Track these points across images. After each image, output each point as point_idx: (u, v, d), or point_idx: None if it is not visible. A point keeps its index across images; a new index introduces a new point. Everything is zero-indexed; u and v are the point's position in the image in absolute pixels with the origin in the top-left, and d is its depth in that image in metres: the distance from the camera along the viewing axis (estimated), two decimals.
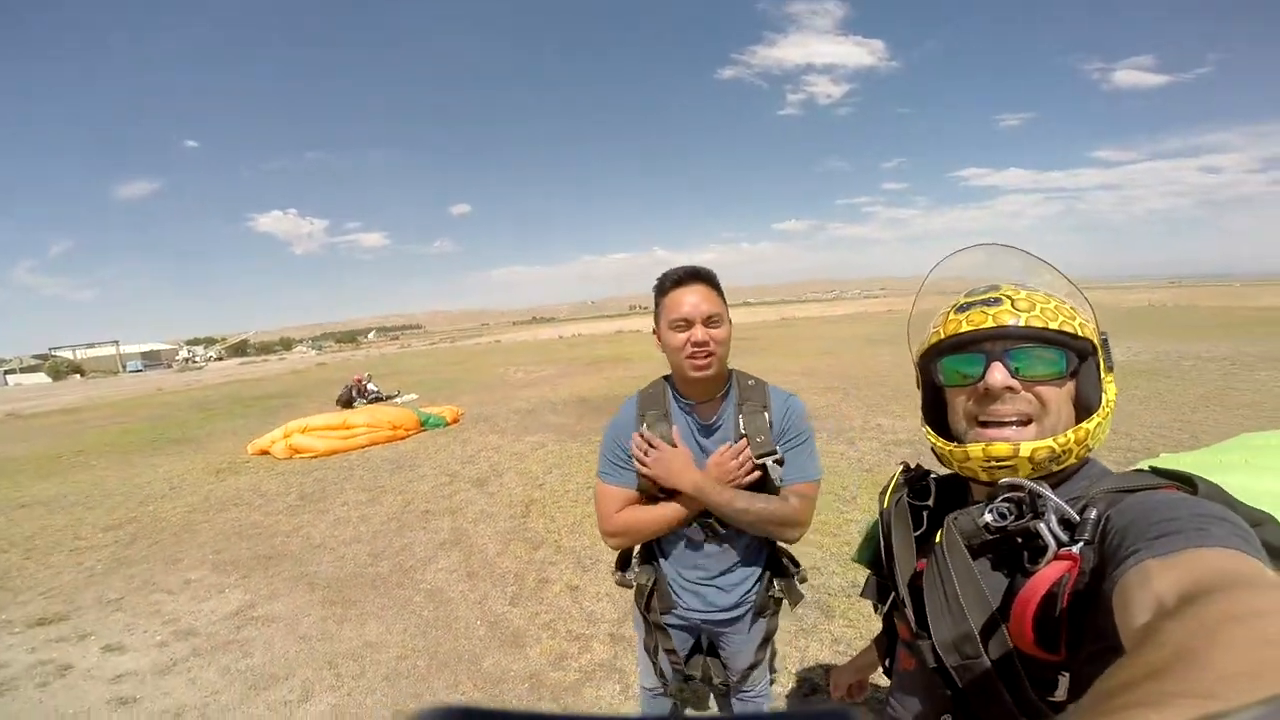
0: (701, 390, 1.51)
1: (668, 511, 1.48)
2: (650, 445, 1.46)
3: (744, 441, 1.46)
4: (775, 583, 1.63)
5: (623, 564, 1.71)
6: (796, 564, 1.70)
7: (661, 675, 1.73)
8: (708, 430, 1.53)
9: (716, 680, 1.72)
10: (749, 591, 1.59)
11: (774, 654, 2.71)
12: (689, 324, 1.42)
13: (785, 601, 1.65)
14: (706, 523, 1.51)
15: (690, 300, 1.42)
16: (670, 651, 1.66)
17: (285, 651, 3.17)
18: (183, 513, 5.84)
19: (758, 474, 1.45)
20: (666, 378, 1.59)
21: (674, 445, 1.47)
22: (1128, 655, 0.40)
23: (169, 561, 4.57)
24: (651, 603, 1.63)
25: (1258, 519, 0.65)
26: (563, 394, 11.78)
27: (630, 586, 1.67)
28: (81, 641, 3.42)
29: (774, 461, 1.44)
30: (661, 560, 1.64)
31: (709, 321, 1.43)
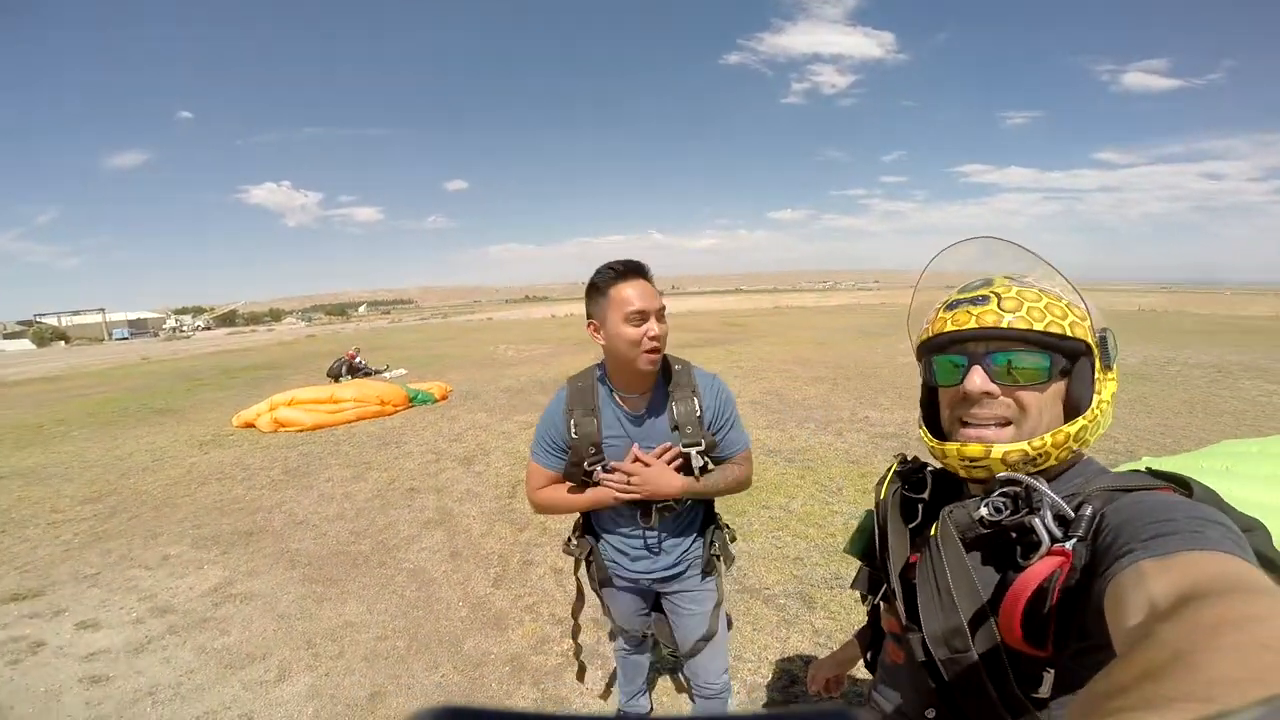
0: (641, 381, 1.58)
1: (598, 495, 1.62)
2: (628, 473, 1.56)
3: (670, 447, 1.57)
4: (714, 542, 1.78)
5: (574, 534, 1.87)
6: (727, 526, 1.87)
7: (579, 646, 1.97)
8: (637, 420, 1.61)
9: (666, 650, 1.89)
10: (686, 550, 1.75)
11: (729, 623, 2.77)
12: (645, 317, 1.47)
13: (722, 561, 1.81)
14: (658, 508, 1.63)
15: (641, 294, 1.47)
16: (609, 617, 1.88)
17: (263, 630, 3.15)
18: (164, 486, 5.78)
19: (681, 459, 1.59)
20: (600, 373, 1.65)
21: (597, 440, 1.58)
22: (1122, 657, 0.39)
23: (148, 536, 4.53)
24: (591, 570, 1.81)
25: (1248, 525, 0.66)
26: (553, 373, 11.74)
27: (573, 554, 1.82)
28: (55, 618, 3.37)
29: (697, 452, 1.57)
30: (603, 534, 1.78)
31: (659, 315, 1.50)
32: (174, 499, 5.38)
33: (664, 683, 2.59)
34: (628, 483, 1.56)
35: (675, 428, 1.59)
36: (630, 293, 1.47)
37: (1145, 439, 5.71)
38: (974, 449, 0.78)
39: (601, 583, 1.81)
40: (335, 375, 12.09)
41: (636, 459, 1.57)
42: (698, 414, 1.59)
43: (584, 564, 1.83)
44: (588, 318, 1.57)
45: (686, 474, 1.59)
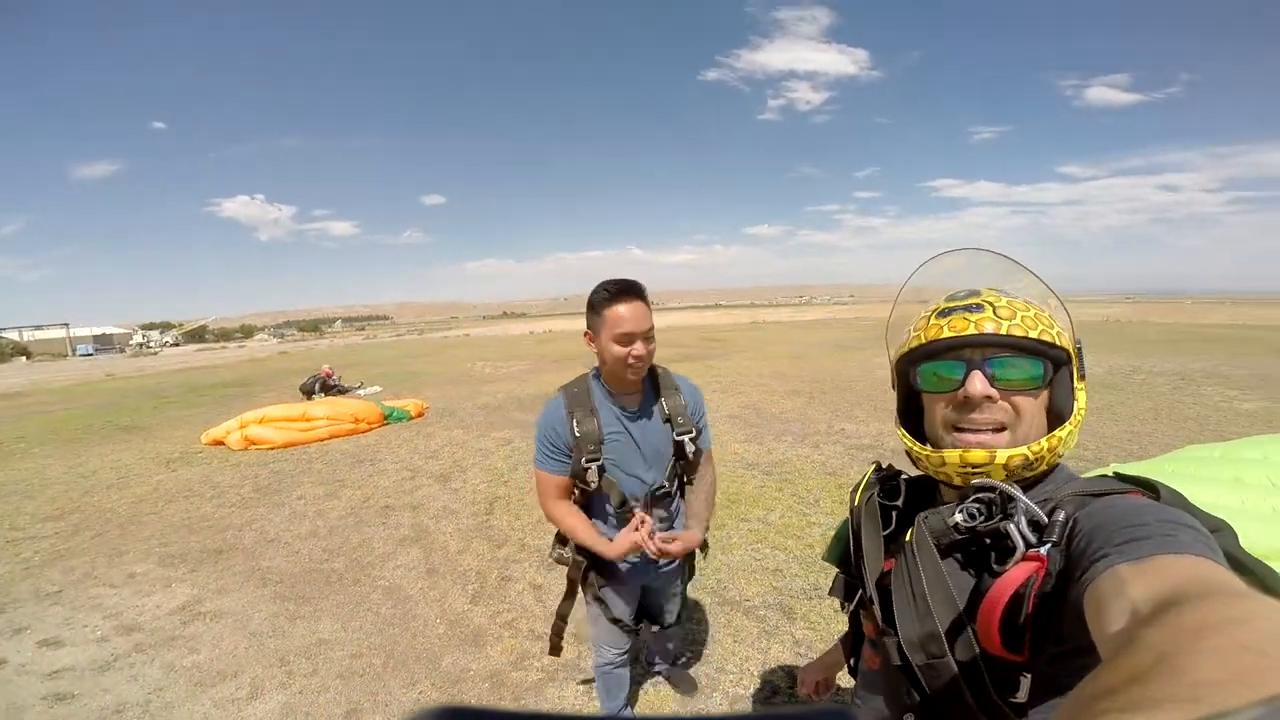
0: (631, 385, 1.78)
1: (609, 550, 1.78)
2: (660, 544, 1.71)
3: (657, 538, 1.72)
4: None
5: (563, 540, 1.96)
6: None
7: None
8: (634, 416, 1.80)
9: (654, 626, 2.21)
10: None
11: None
12: (631, 339, 1.64)
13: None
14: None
15: (633, 316, 1.64)
16: (616, 621, 1.98)
17: (234, 648, 3.07)
18: (130, 504, 5.62)
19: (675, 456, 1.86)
20: (595, 373, 1.83)
21: (600, 438, 1.74)
22: (1107, 662, 0.40)
23: (113, 554, 4.39)
24: (589, 577, 1.93)
25: (1215, 525, 0.67)
26: (531, 390, 11.67)
27: (567, 563, 1.94)
28: (16, 636, 3.26)
29: (689, 439, 1.83)
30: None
31: (646, 336, 1.67)
32: (140, 516, 5.22)
33: (645, 698, 2.57)
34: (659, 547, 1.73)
35: (667, 419, 1.82)
36: (622, 313, 1.63)
37: (1113, 446, 5.85)
38: (978, 455, 0.78)
39: (600, 588, 1.95)
40: (309, 392, 11.88)
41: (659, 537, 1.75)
42: (683, 406, 1.84)
43: (581, 575, 1.94)
44: (586, 327, 1.75)
45: (680, 459, 1.87)
